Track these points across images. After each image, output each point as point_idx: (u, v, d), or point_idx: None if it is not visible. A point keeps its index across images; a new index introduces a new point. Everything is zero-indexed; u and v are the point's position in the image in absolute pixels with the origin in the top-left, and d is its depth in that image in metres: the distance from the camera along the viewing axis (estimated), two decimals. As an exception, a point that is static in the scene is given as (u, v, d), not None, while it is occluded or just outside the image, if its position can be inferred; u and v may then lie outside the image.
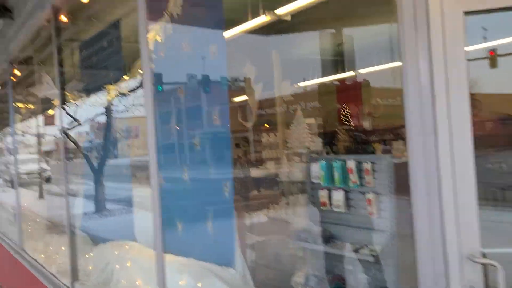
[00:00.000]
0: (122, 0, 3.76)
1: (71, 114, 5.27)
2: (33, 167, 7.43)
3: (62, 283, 3.60)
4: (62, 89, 3.56)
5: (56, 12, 3.53)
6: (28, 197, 5.94)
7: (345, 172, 2.79)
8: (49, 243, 4.53)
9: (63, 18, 3.68)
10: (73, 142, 5.04)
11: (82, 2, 3.62)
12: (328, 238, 2.90)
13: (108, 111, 5.43)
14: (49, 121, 7.53)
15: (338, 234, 2.91)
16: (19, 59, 4.79)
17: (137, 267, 3.24)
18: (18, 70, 4.99)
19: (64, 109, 5.03)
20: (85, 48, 4.17)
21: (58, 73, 3.53)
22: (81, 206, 4.88)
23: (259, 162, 6.69)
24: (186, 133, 3.35)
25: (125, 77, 3.84)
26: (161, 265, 2.39)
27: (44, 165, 8.17)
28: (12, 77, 4.96)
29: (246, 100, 3.82)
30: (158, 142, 2.53)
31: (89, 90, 4.36)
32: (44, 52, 4.80)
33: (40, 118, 6.82)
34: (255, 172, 6.39)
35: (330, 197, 2.89)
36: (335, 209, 2.86)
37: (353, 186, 2.74)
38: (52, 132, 8.07)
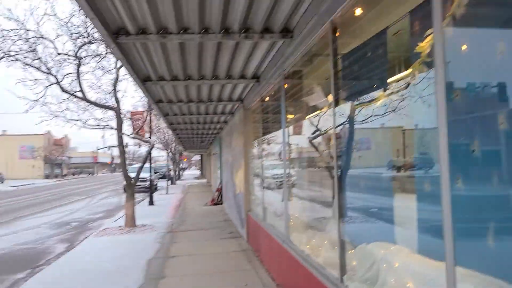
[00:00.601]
0: (394, 8, 3.88)
1: (316, 124, 5.75)
2: (280, 172, 8.38)
3: (331, 274, 3.91)
4: (336, 99, 3.90)
5: (333, 28, 3.91)
6: (280, 198, 6.75)
7: None
8: (311, 237, 5.01)
9: (337, 33, 4.04)
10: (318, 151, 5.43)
11: (354, 16, 3.89)
12: None
13: (351, 121, 5.63)
14: (297, 131, 8.42)
15: None
16: (289, 73, 5.48)
17: (407, 269, 3.24)
18: (286, 83, 5.73)
19: (313, 119, 5.53)
20: (348, 59, 4.48)
21: (334, 85, 3.88)
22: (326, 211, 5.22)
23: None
24: (461, 140, 3.18)
25: (392, 80, 3.93)
26: (452, 277, 2.33)
27: (291, 171, 9.10)
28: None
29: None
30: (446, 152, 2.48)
31: (348, 99, 4.66)
32: (309, 66, 5.39)
33: (291, 128, 7.67)
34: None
35: None
36: None
37: None
38: (295, 142, 8.99)
